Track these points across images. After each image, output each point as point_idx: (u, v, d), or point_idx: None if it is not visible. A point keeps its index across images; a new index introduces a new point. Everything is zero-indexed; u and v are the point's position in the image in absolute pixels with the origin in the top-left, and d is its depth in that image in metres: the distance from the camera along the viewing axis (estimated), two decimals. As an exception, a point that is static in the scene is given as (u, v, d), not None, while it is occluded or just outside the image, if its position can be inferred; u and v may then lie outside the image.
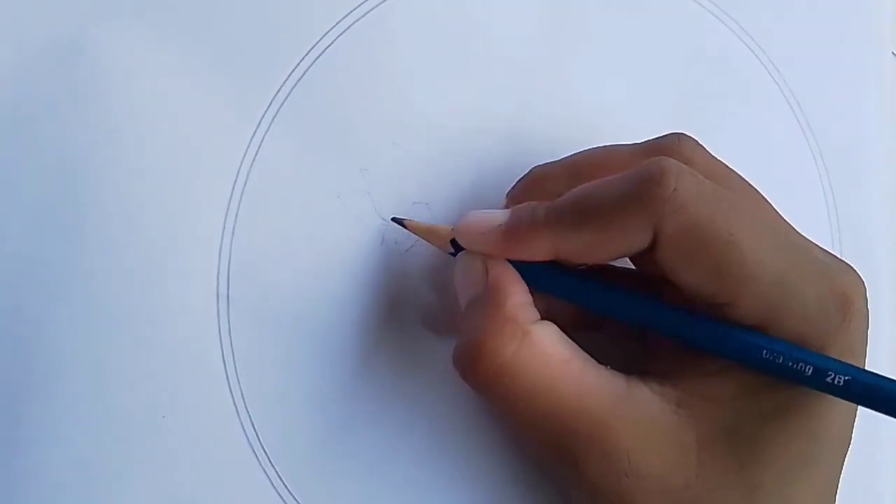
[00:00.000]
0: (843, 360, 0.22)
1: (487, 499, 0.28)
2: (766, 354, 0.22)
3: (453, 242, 0.25)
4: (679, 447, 0.22)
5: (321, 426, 0.26)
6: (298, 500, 0.26)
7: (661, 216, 0.21)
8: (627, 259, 0.25)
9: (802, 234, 0.25)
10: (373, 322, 0.27)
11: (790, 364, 0.22)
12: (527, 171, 0.27)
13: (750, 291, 0.22)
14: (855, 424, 0.24)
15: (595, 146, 0.27)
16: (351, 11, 0.27)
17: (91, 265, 0.24)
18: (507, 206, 0.27)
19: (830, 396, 0.22)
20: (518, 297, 0.23)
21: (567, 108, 0.30)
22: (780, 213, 0.25)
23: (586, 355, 0.23)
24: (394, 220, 0.27)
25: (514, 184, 0.27)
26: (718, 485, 0.22)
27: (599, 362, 0.24)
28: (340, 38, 0.27)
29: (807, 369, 0.22)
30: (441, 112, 0.28)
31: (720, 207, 0.22)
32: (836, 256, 0.25)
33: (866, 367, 0.23)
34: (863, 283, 0.24)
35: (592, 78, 0.31)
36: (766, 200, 0.25)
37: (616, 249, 0.23)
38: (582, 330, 0.24)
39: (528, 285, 0.24)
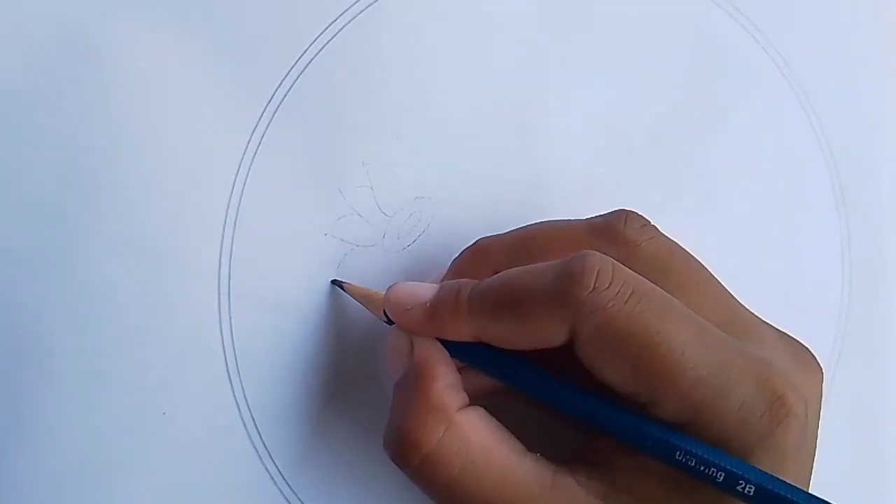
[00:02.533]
0: (771, 465, 0.21)
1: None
2: (679, 456, 0.21)
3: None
4: None
5: (322, 421, 0.26)
6: (298, 494, 0.26)
7: (578, 316, 0.21)
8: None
9: (754, 316, 0.25)
10: (373, 317, 0.27)
11: (702, 468, 0.21)
12: (472, 242, 0.27)
13: (671, 391, 0.21)
14: None
15: (540, 221, 0.26)
16: (353, 4, 0.27)
17: (91, 260, 0.24)
18: (450, 277, 0.26)
19: None
20: (443, 379, 0.23)
21: (571, 99, 0.30)
22: (727, 288, 0.25)
23: (514, 442, 0.23)
24: (333, 282, 0.26)
25: (459, 253, 0.27)
26: None
27: (529, 447, 0.23)
28: (342, 31, 0.26)
29: (718, 475, 0.21)
30: (444, 105, 0.28)
31: (642, 306, 0.21)
32: (793, 344, 0.24)
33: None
34: (817, 373, 0.23)
35: (597, 68, 0.30)
36: (715, 282, 0.25)
37: (532, 341, 0.22)
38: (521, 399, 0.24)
39: (456, 358, 0.24)
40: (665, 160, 0.32)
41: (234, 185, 0.25)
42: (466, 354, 0.24)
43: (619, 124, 0.31)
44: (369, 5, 0.27)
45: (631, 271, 0.22)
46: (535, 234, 0.26)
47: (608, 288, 0.21)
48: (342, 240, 0.26)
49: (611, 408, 0.22)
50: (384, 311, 0.25)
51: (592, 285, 0.21)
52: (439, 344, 0.24)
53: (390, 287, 0.24)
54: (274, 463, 0.25)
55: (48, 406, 0.23)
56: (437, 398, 0.23)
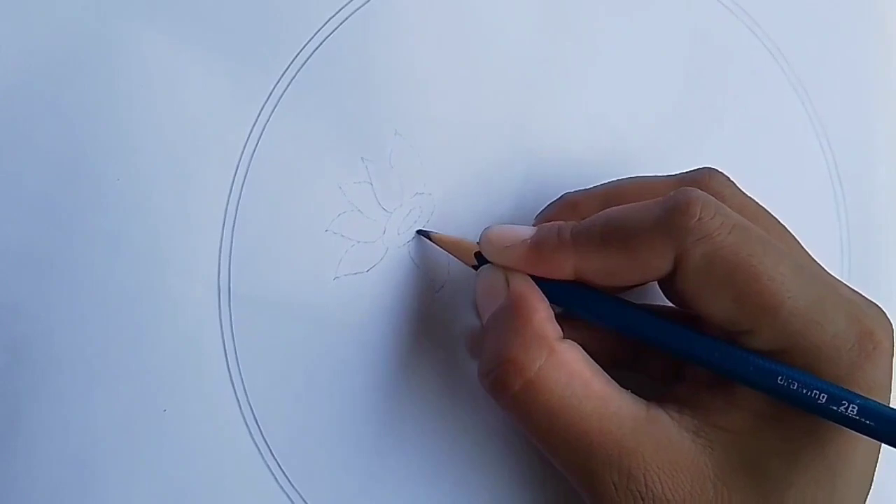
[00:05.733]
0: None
1: (494, 496, 0.28)
2: (781, 380, 0.22)
3: (478, 256, 0.25)
4: (696, 475, 0.22)
5: (324, 418, 0.26)
6: (301, 493, 0.26)
7: (685, 244, 0.22)
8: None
9: (830, 272, 0.25)
10: (375, 313, 0.27)
11: (804, 391, 0.22)
12: (558, 196, 0.28)
13: (769, 321, 0.22)
14: (877, 465, 0.24)
15: (626, 177, 0.27)
16: (351, 0, 0.27)
17: (90, 259, 0.24)
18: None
19: (851, 434, 0.22)
20: (542, 311, 0.24)
21: (570, 96, 0.30)
22: (799, 238, 0.26)
23: (608, 376, 0.24)
24: (419, 232, 0.27)
25: (544, 207, 0.28)
26: None
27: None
28: (342, 26, 0.26)
29: (821, 397, 0.22)
30: (443, 101, 0.28)
31: (744, 238, 0.22)
32: (864, 297, 0.25)
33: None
34: (891, 324, 0.24)
35: (596, 66, 0.30)
36: (794, 238, 0.26)
37: (637, 274, 0.23)
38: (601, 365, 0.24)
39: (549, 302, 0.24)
40: (664, 158, 0.32)
41: (233, 182, 0.25)
42: (561, 294, 0.24)
43: (618, 121, 0.31)
44: (368, 1, 0.27)
45: (729, 209, 0.23)
46: (625, 187, 0.27)
47: (712, 218, 0.22)
48: (342, 236, 0.26)
49: (710, 339, 0.23)
50: (475, 254, 0.25)
51: (699, 215, 0.22)
52: (532, 281, 0.24)
53: (486, 229, 0.25)
54: (276, 460, 0.25)
55: (48, 405, 0.23)
56: (539, 327, 0.23)
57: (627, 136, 0.31)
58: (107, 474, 0.24)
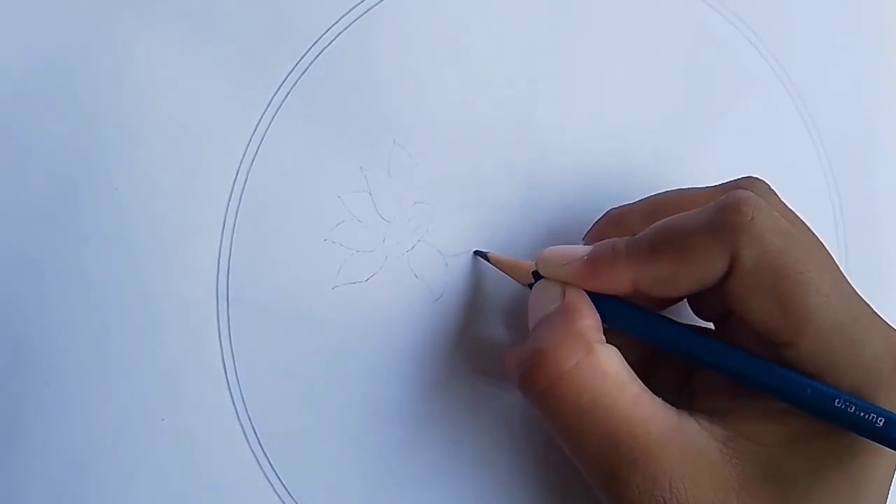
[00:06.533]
0: None
1: None
2: (838, 403, 0.22)
3: (534, 274, 0.26)
4: (721, 484, 0.22)
5: (322, 428, 0.26)
6: (298, 501, 0.26)
7: (739, 243, 0.22)
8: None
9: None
10: (373, 323, 0.27)
11: (861, 415, 0.22)
12: (603, 213, 0.28)
13: (811, 333, 0.22)
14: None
15: (670, 189, 0.27)
16: (352, 9, 0.26)
17: (89, 265, 0.24)
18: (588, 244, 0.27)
19: (874, 450, 0.23)
20: (589, 319, 0.24)
21: (569, 102, 0.30)
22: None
23: (642, 383, 0.24)
24: (476, 253, 0.27)
25: (591, 225, 0.28)
26: None
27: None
28: (341, 36, 0.26)
29: (878, 420, 0.22)
30: (441, 110, 0.28)
31: (792, 244, 0.22)
32: (884, 319, 0.25)
33: None
34: None
35: (594, 75, 0.30)
36: (829, 253, 0.26)
37: (694, 279, 0.23)
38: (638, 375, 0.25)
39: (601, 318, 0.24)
40: (663, 164, 0.32)
41: (232, 189, 0.25)
42: (613, 313, 0.25)
43: (616, 129, 0.31)
44: (368, 10, 0.27)
45: (777, 213, 0.23)
46: (669, 198, 0.27)
47: (764, 220, 0.22)
48: (342, 245, 0.26)
49: (760, 358, 0.23)
50: (532, 273, 0.26)
51: (751, 214, 0.22)
52: (587, 295, 0.25)
53: (543, 250, 0.25)
54: (273, 470, 0.25)
55: (46, 411, 0.23)
56: (581, 328, 0.23)
57: (627, 144, 0.31)
58: (103, 481, 0.24)
